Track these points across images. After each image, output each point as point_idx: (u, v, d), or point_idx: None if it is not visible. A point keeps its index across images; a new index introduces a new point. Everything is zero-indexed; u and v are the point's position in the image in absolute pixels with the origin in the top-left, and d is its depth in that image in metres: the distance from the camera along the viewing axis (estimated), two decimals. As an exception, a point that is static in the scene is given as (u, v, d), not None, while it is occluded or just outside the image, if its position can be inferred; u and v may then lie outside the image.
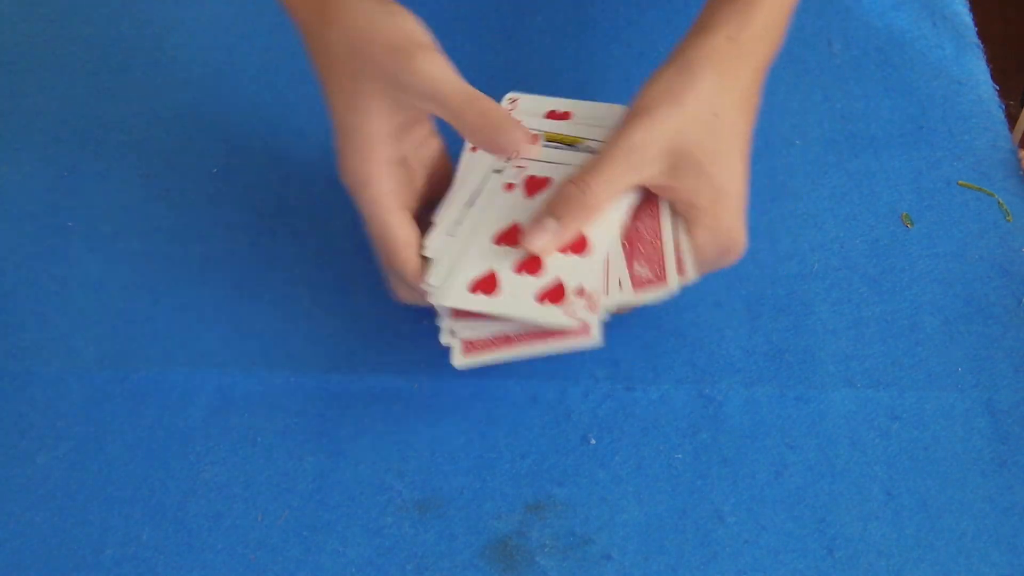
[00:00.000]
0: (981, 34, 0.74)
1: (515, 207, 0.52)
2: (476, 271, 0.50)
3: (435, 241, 0.52)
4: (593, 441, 0.54)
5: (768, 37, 0.53)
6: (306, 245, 0.62)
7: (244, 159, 0.67)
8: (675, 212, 0.52)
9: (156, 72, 0.72)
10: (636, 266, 0.51)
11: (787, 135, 0.67)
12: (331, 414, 0.55)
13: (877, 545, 0.51)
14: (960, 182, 0.65)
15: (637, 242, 0.52)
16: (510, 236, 0.51)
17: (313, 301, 0.60)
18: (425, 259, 0.51)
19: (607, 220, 0.51)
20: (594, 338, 0.49)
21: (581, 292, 0.49)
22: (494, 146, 0.50)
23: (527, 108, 0.58)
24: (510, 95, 0.59)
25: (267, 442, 0.54)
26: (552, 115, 0.57)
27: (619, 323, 0.58)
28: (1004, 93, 0.71)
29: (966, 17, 0.75)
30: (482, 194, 0.53)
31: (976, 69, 0.71)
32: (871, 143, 0.67)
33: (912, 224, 0.63)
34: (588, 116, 0.57)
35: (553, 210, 0.51)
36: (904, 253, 0.62)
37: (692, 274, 0.51)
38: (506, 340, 0.50)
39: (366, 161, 0.51)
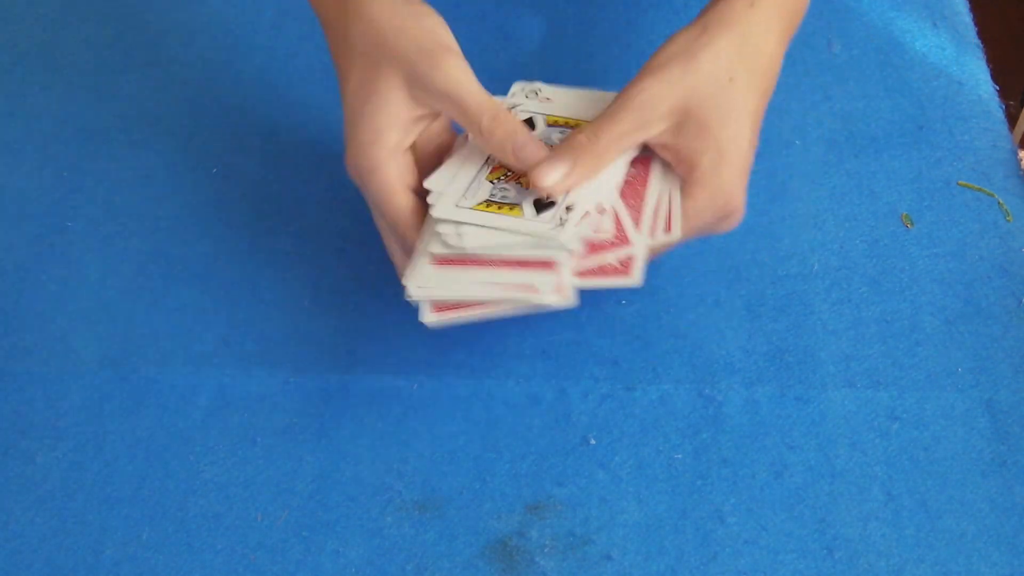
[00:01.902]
0: (981, 34, 0.74)
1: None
2: (475, 199, 0.50)
3: (438, 180, 0.52)
4: (593, 441, 0.54)
5: (789, 5, 0.53)
6: (306, 245, 0.62)
7: (244, 159, 0.67)
8: (673, 173, 0.52)
9: (156, 72, 0.72)
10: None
11: (787, 135, 0.67)
12: (331, 414, 0.55)
13: (877, 545, 0.51)
14: (960, 182, 0.65)
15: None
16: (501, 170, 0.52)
17: (313, 301, 0.60)
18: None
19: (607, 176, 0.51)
20: (566, 295, 0.49)
21: (571, 208, 0.49)
22: (507, 156, 0.51)
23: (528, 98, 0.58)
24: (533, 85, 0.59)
25: (267, 442, 0.54)
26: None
27: (619, 323, 0.58)
28: (1004, 93, 0.71)
29: (966, 17, 0.75)
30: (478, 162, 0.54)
31: (976, 69, 0.71)
32: (871, 143, 0.67)
33: (912, 224, 0.63)
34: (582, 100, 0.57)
35: (563, 154, 0.51)
36: (904, 253, 0.62)
37: (678, 234, 0.51)
38: (478, 303, 0.50)
39: (374, 148, 0.51)
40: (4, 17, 0.76)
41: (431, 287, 0.49)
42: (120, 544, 0.51)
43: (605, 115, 0.51)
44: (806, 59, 0.72)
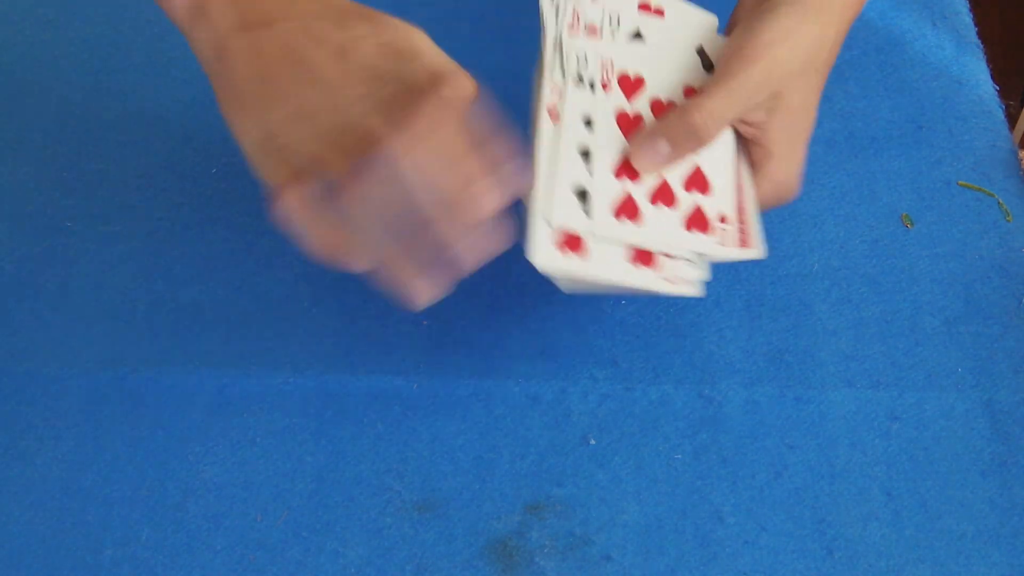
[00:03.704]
0: (981, 34, 0.74)
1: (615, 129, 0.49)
2: (611, 194, 0.47)
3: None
4: (593, 441, 0.54)
5: None
6: (306, 245, 0.62)
7: (244, 159, 0.67)
8: (744, 152, 0.52)
9: (156, 72, 0.72)
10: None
11: (787, 135, 0.67)
12: (331, 414, 0.55)
13: (877, 545, 0.51)
14: (960, 182, 0.65)
15: None
16: (629, 167, 0.48)
17: (313, 301, 0.59)
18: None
19: (721, 149, 0.50)
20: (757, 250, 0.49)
21: (724, 219, 0.48)
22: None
23: None
24: None
25: (267, 442, 0.54)
26: (643, 7, 0.53)
27: (619, 323, 0.58)
28: (1004, 93, 0.71)
29: (966, 17, 0.75)
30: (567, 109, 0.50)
31: (976, 69, 0.71)
32: (871, 143, 0.67)
33: (912, 224, 0.63)
34: (678, 18, 0.53)
35: (668, 134, 0.49)
36: (904, 253, 0.62)
37: (759, 252, 0.50)
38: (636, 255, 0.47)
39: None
40: (4, 17, 0.76)
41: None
42: (120, 544, 0.51)
43: (713, 94, 0.49)
44: (806, 59, 0.72)
